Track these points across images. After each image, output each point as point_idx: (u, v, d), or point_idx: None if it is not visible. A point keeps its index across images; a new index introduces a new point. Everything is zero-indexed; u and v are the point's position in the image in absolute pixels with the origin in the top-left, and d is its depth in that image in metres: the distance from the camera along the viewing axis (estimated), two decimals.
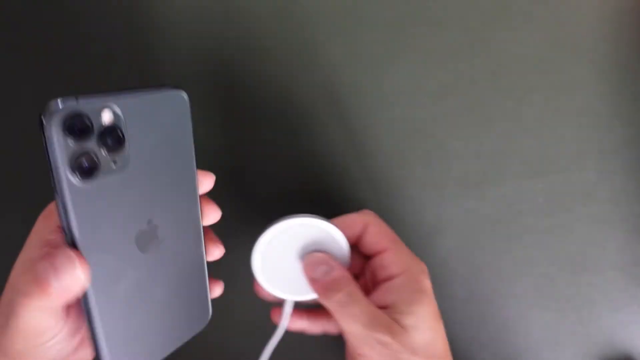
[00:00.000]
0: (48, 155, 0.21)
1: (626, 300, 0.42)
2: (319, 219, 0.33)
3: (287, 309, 0.35)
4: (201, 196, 0.30)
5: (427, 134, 0.42)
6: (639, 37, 0.42)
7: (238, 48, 0.41)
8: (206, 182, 0.30)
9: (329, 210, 0.41)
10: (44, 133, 0.21)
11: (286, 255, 0.34)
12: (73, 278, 0.22)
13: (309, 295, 0.34)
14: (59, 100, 0.21)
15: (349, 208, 0.41)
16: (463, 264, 0.41)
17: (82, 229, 0.22)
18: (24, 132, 0.40)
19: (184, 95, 0.26)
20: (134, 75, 0.41)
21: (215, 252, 0.32)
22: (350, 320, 0.30)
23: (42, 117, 0.21)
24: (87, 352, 0.28)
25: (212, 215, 0.30)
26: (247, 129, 0.41)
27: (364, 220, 0.35)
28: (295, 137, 0.41)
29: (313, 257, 0.33)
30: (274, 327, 0.35)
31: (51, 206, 0.27)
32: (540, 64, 0.42)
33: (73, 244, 0.23)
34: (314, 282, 0.33)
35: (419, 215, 0.41)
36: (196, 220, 0.29)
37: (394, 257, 0.33)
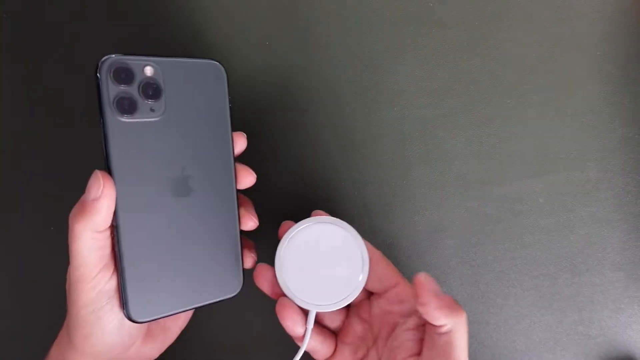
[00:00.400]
0: (98, 96, 0.27)
1: (627, 301, 0.42)
2: (341, 221, 0.33)
3: (311, 320, 0.32)
4: (237, 162, 0.32)
5: (427, 134, 0.42)
6: (639, 37, 0.42)
7: (238, 48, 0.41)
8: (240, 141, 0.32)
9: (329, 210, 0.41)
10: (96, 77, 0.26)
11: (309, 260, 0.32)
12: (99, 189, 0.26)
13: (333, 305, 0.32)
14: (112, 55, 0.27)
15: (349, 208, 0.41)
16: (463, 264, 0.41)
17: (116, 158, 0.27)
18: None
19: (221, 66, 0.30)
20: None
21: (249, 223, 0.32)
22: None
23: (97, 65, 0.26)
24: (151, 348, 0.31)
25: (247, 178, 0.32)
26: (247, 129, 0.41)
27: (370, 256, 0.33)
28: (294, 137, 0.41)
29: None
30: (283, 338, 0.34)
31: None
32: (540, 64, 0.42)
33: (110, 171, 0.27)
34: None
35: (420, 215, 0.41)
36: (230, 182, 0.31)
37: (409, 290, 0.32)
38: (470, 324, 0.41)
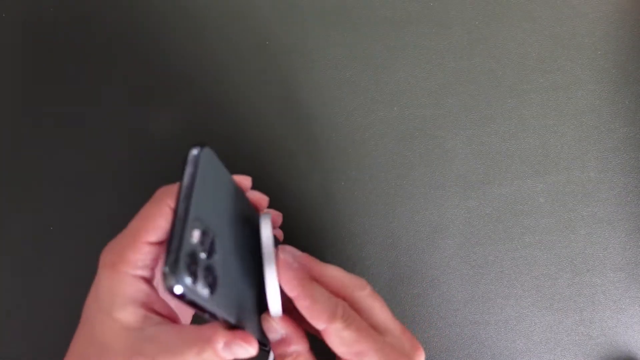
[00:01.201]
0: (196, 307, 0.23)
1: (628, 301, 0.41)
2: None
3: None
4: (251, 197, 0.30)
5: (427, 133, 0.42)
6: (638, 37, 0.42)
7: (238, 48, 0.41)
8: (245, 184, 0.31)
9: (329, 210, 0.41)
10: (184, 297, 0.22)
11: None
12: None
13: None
14: (177, 265, 0.22)
15: (349, 208, 0.41)
16: (464, 264, 0.41)
17: (227, 313, 0.24)
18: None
19: (210, 150, 0.25)
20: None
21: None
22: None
23: (175, 287, 0.22)
24: None
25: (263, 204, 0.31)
26: (246, 129, 0.41)
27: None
28: (294, 137, 0.41)
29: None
30: None
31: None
32: (540, 63, 0.42)
33: (238, 323, 0.25)
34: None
35: (420, 215, 0.41)
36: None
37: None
38: (471, 324, 0.41)
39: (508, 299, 0.41)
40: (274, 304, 0.28)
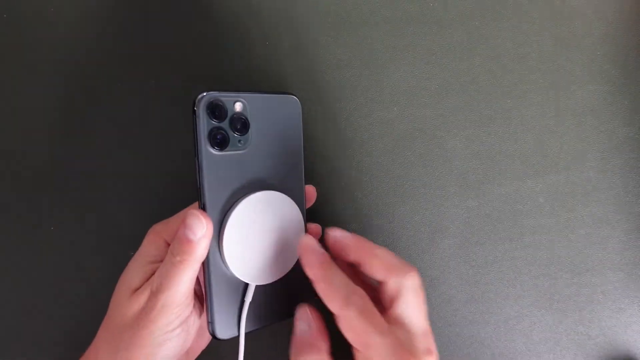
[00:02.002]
0: (194, 129, 0.29)
1: (627, 301, 0.42)
2: (273, 191, 0.32)
3: (250, 295, 0.32)
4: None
5: (427, 134, 0.42)
6: (638, 37, 0.42)
7: (238, 48, 0.41)
8: (310, 195, 0.35)
9: (329, 210, 0.41)
10: (194, 113, 0.29)
11: (250, 235, 0.31)
12: (202, 229, 0.28)
13: (275, 276, 0.32)
14: (208, 92, 0.29)
15: (349, 208, 0.41)
16: (463, 264, 0.41)
17: (210, 187, 0.29)
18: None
19: (297, 100, 0.33)
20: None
21: (315, 228, 0.35)
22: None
23: (195, 102, 0.29)
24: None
25: (312, 196, 0.35)
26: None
27: None
28: None
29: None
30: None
31: (157, 227, 0.32)
32: (540, 63, 0.42)
33: (202, 200, 0.29)
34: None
35: (420, 215, 0.41)
36: (302, 201, 0.34)
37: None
38: (470, 324, 0.41)
39: (508, 299, 0.41)
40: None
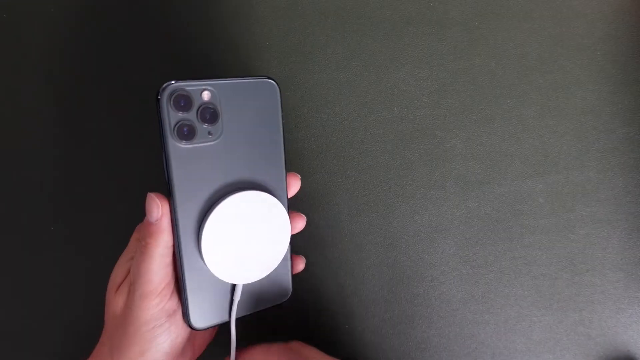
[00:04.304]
0: (159, 122, 0.27)
1: (627, 301, 0.42)
2: (258, 191, 0.31)
3: (238, 294, 0.31)
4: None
5: (427, 134, 0.42)
6: (638, 37, 0.42)
7: (238, 48, 0.41)
8: (294, 183, 0.33)
9: (329, 211, 0.41)
10: (157, 105, 0.27)
11: (234, 235, 0.30)
12: (159, 210, 0.28)
13: (259, 275, 0.32)
14: (171, 82, 0.27)
15: (349, 208, 0.41)
16: (463, 264, 0.41)
17: (178, 182, 0.28)
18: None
19: (275, 85, 0.31)
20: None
21: (300, 223, 0.34)
22: None
23: (158, 92, 0.27)
24: None
25: (295, 185, 0.34)
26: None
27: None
28: (294, 138, 0.41)
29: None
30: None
31: (139, 226, 0.32)
32: (540, 63, 0.42)
33: (170, 193, 0.28)
34: None
35: (420, 215, 0.41)
36: (282, 196, 0.32)
37: None
38: (470, 324, 0.41)
39: (508, 299, 0.41)
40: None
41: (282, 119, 0.31)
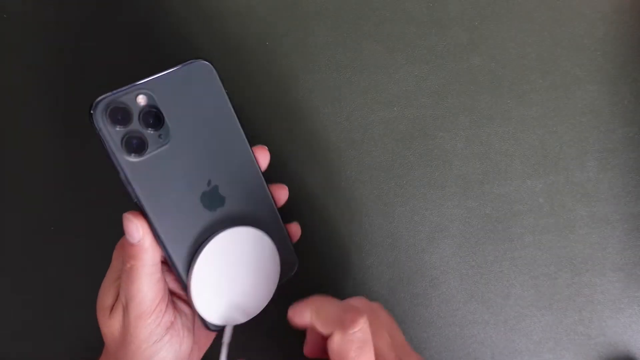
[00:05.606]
0: (102, 143, 0.25)
1: (627, 301, 0.42)
2: (248, 227, 0.30)
3: (228, 336, 0.30)
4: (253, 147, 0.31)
5: (427, 133, 0.42)
6: (638, 37, 0.42)
7: (238, 48, 0.41)
8: (263, 157, 0.32)
9: (329, 211, 0.41)
10: (94, 126, 0.25)
11: (221, 275, 0.29)
12: (138, 230, 0.26)
13: (249, 316, 0.31)
14: (98, 98, 0.25)
15: (349, 208, 0.41)
16: (463, 264, 0.41)
17: (145, 195, 0.26)
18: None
19: (208, 64, 0.28)
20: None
21: (282, 192, 0.33)
22: None
23: (90, 112, 0.25)
24: None
25: (265, 158, 0.32)
26: (245, 128, 0.41)
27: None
28: (294, 137, 0.41)
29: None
30: None
31: (121, 241, 0.30)
32: (540, 63, 0.42)
33: (142, 211, 0.26)
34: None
35: (420, 215, 0.41)
36: (254, 172, 0.31)
37: None
38: (470, 324, 0.41)
39: (507, 299, 0.41)
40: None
41: (229, 96, 0.29)
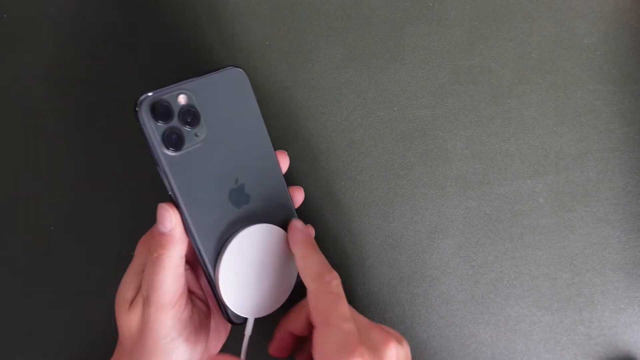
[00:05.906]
0: (145, 137, 0.27)
1: (627, 301, 0.42)
2: (271, 225, 0.32)
3: (250, 328, 0.32)
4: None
5: (427, 133, 0.42)
6: (638, 37, 0.42)
7: (238, 48, 0.41)
8: (283, 161, 0.34)
9: (329, 211, 0.41)
10: (138, 121, 0.27)
11: (245, 269, 0.31)
12: (171, 220, 0.28)
13: (270, 309, 0.32)
14: (145, 94, 0.27)
15: (349, 208, 0.41)
16: (464, 264, 0.41)
17: (181, 189, 0.28)
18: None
19: (242, 71, 0.31)
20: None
21: (299, 196, 0.35)
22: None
23: (135, 109, 0.27)
24: None
25: (286, 161, 0.34)
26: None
27: None
28: (294, 137, 0.41)
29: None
30: None
31: (143, 238, 0.31)
32: (540, 63, 0.42)
33: (176, 202, 0.28)
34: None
35: (420, 215, 0.41)
36: (277, 174, 0.33)
37: None
38: (470, 324, 0.41)
39: (507, 299, 0.41)
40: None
41: (257, 102, 0.32)
